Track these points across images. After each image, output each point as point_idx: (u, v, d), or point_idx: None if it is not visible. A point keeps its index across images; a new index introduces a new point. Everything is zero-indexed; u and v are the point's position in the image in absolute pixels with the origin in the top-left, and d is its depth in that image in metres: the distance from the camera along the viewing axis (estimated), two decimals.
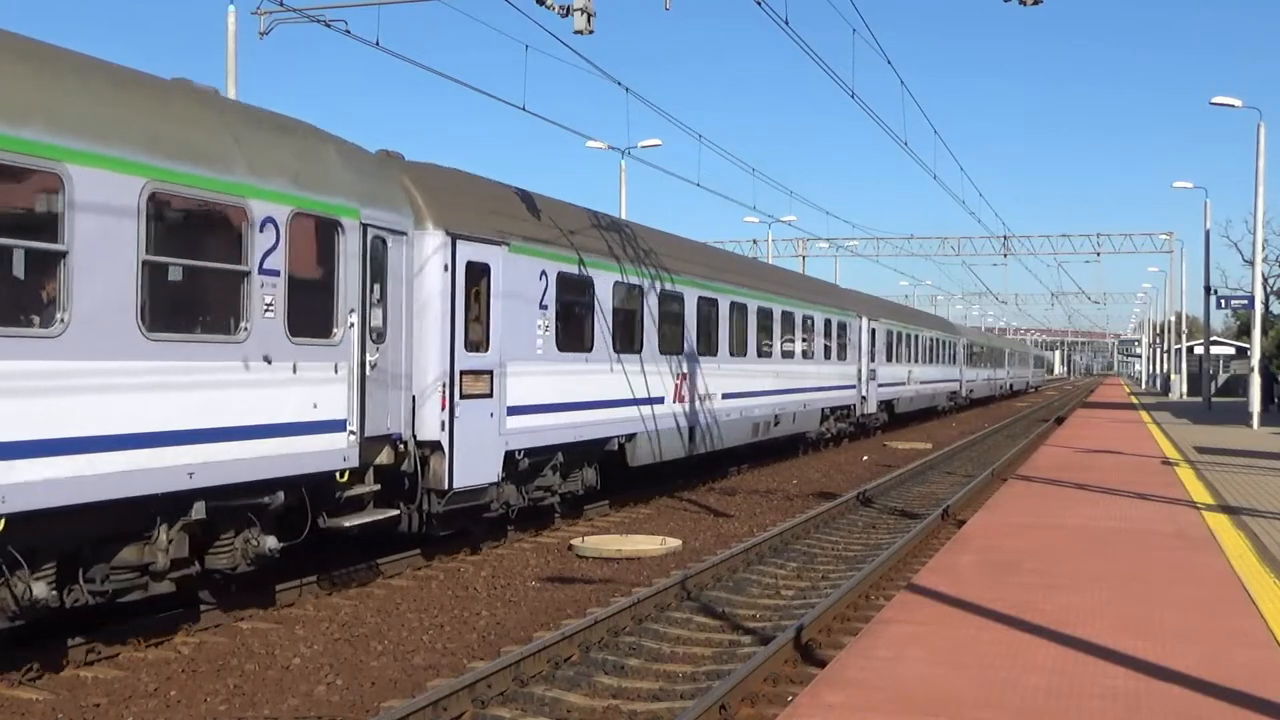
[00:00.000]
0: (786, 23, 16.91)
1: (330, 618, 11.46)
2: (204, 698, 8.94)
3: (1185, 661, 7.82)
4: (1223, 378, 72.02)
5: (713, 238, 58.17)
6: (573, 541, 15.69)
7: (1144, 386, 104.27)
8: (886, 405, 38.70)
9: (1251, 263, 41.49)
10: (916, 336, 44.50)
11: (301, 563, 12.78)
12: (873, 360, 36.19)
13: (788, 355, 27.23)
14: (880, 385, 37.26)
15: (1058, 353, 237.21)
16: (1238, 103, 37.43)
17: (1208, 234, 52.94)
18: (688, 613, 11.82)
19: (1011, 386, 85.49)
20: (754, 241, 65.12)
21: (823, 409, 30.57)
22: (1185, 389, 68.31)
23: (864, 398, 35.08)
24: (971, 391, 60.67)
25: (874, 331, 36.64)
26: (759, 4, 15.83)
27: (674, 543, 15.68)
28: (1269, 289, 62.46)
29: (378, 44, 18.53)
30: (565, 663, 9.77)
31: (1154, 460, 23.30)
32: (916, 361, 44.19)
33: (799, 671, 9.47)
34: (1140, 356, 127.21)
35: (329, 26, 19.57)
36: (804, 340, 28.75)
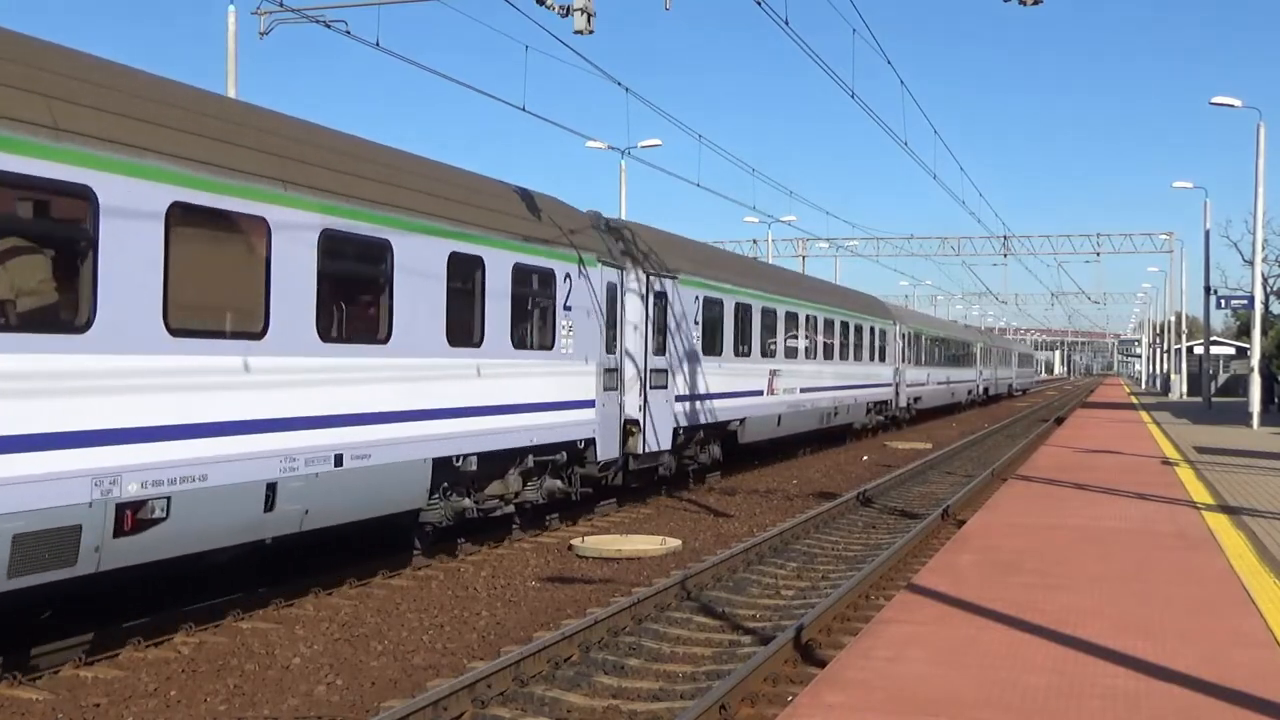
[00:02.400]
0: (787, 23, 16.92)
1: (330, 618, 11.46)
2: (204, 698, 8.94)
3: (1185, 661, 7.82)
4: (1223, 378, 72.04)
5: (713, 238, 58.10)
6: (573, 541, 15.69)
7: (1144, 386, 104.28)
8: (691, 434, 21.36)
9: (1251, 263, 41.50)
10: (802, 317, 29.11)
11: (302, 563, 12.80)
12: (661, 350, 19.60)
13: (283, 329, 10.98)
14: (683, 398, 20.52)
15: (1058, 352, 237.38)
16: (1238, 103, 37.44)
17: (1208, 234, 53.03)
18: (688, 613, 11.82)
19: (986, 391, 67.90)
20: (754, 241, 65.19)
21: (430, 462, 13.11)
22: (1185, 389, 68.31)
23: (635, 423, 18.55)
24: (917, 400, 44.95)
25: (663, 295, 19.81)
26: (759, 4, 15.83)
27: (674, 543, 15.68)
28: (1269, 289, 62.49)
29: (378, 44, 18.54)
30: (565, 663, 9.77)
31: (1154, 460, 23.29)
32: (793, 355, 28.16)
33: (799, 671, 9.47)
34: (1140, 356, 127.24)
35: (329, 27, 19.59)
36: (358, 303, 12.46)
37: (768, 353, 26.06)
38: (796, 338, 28.59)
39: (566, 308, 16.34)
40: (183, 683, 9.31)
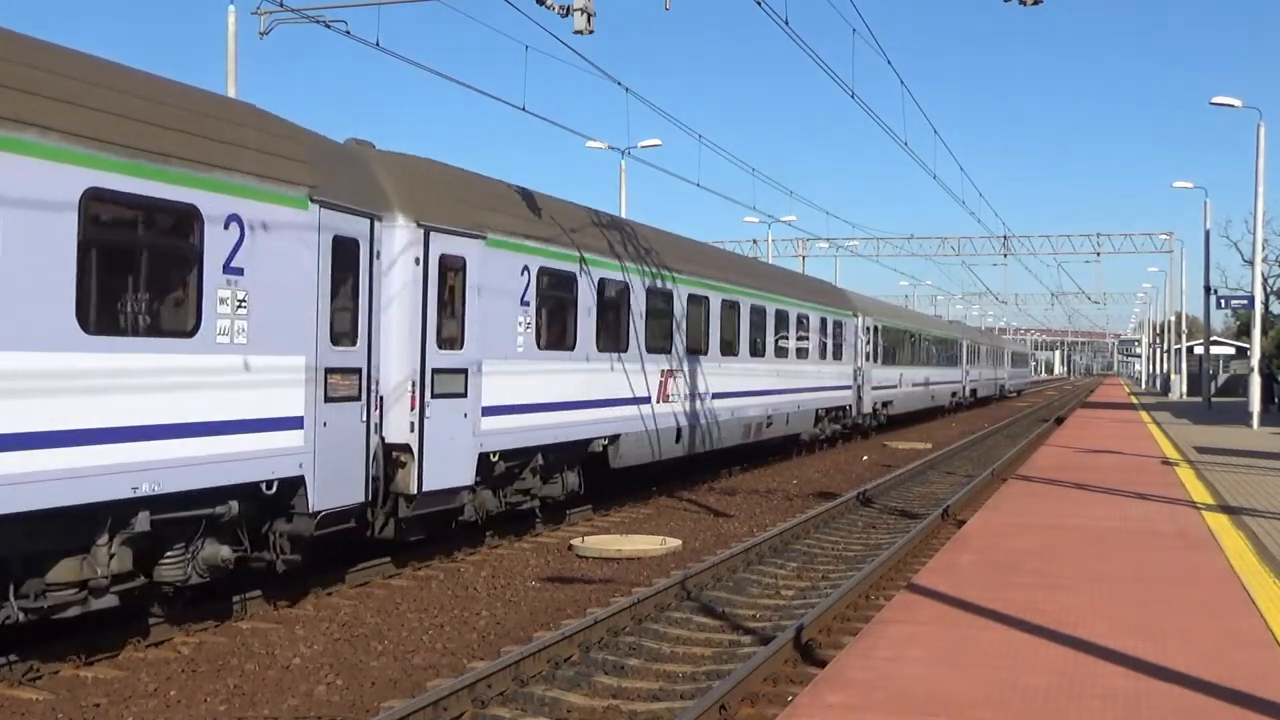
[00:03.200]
0: (787, 23, 16.92)
1: (330, 618, 11.47)
2: (204, 698, 8.94)
3: (1185, 661, 7.82)
4: (1223, 378, 72.04)
5: (713, 238, 58.05)
6: (573, 541, 15.70)
7: (1144, 386, 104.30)
8: (522, 460, 15.62)
9: (1251, 263, 41.51)
10: (716, 303, 22.62)
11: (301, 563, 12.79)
12: (455, 342, 14.02)
13: None
14: (499, 411, 14.72)
15: (1058, 352, 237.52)
16: (1238, 103, 37.44)
17: (1208, 234, 53.02)
18: (688, 613, 11.82)
19: (973, 393, 62.32)
20: (754, 241, 65.21)
21: None
22: (1185, 389, 68.33)
23: (404, 449, 12.99)
24: (887, 404, 38.46)
25: (458, 262, 14.04)
26: (759, 4, 15.83)
27: (674, 543, 15.69)
28: (1269, 289, 62.52)
29: (378, 44, 18.56)
30: (565, 663, 9.77)
31: (1154, 460, 23.29)
32: (699, 351, 21.77)
33: (799, 671, 9.48)
34: (1140, 356, 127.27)
35: (329, 27, 19.60)
36: None
37: (658, 348, 19.76)
38: (706, 328, 22.16)
39: (234, 270, 10.35)
40: (183, 683, 9.31)
